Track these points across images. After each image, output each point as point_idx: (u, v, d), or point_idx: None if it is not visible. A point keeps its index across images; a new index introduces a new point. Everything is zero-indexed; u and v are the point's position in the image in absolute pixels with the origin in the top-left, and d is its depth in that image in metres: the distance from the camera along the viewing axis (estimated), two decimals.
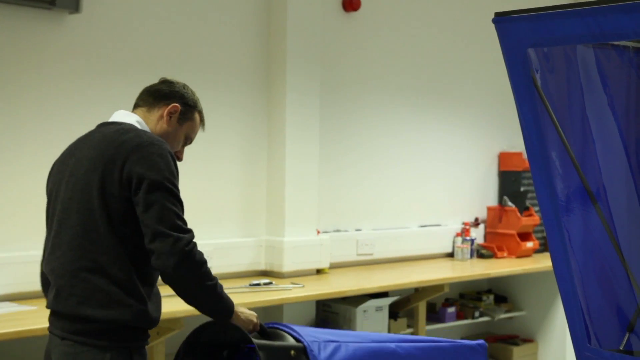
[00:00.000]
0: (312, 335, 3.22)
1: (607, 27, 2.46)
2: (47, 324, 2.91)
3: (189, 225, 2.80)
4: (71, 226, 2.78)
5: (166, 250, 2.66)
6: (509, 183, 7.62)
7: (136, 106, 3.08)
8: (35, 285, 3.11)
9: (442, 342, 3.58)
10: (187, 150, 3.23)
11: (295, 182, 5.84)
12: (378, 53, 6.58)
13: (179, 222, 2.73)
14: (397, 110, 6.83)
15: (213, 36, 5.55)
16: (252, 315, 3.11)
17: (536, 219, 7.36)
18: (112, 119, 3.01)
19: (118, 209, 2.72)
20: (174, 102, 3.02)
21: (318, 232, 6.04)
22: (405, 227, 6.94)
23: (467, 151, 7.48)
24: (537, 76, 2.76)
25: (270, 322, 3.39)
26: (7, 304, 4.49)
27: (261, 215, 5.93)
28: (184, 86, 3.11)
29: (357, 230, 6.58)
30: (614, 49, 2.94)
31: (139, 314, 2.74)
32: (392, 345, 3.37)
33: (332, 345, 3.18)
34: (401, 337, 3.53)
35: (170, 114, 3.01)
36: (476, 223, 7.42)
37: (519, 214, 7.33)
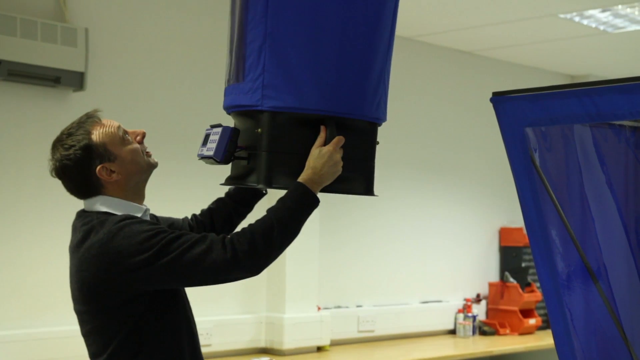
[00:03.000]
0: None
1: (603, 108, 2.49)
2: None
3: None
4: None
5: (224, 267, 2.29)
6: (510, 258, 7.59)
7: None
8: None
9: None
10: None
11: (296, 257, 5.83)
12: (379, 128, 6.63)
13: (187, 245, 2.29)
14: (397, 185, 6.85)
15: (212, 112, 5.60)
16: (327, 155, 2.40)
17: (538, 295, 7.31)
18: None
19: None
20: (87, 169, 2.43)
21: (319, 308, 6.00)
22: (406, 304, 6.90)
23: (467, 226, 7.48)
24: (536, 155, 2.79)
25: None
26: None
27: (261, 291, 5.90)
28: (61, 148, 2.45)
29: (358, 306, 6.53)
30: (611, 128, 2.97)
31: None
32: None
33: None
34: None
35: (101, 174, 2.44)
36: (478, 299, 7.37)
37: (520, 290, 7.29)
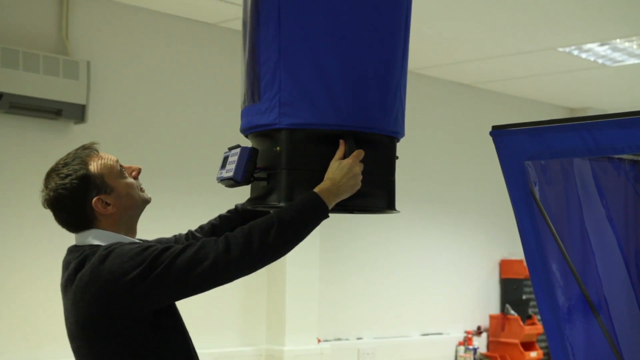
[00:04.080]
0: None
1: (602, 141, 2.50)
2: None
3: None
4: None
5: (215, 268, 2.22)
6: (511, 291, 7.57)
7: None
8: None
9: None
10: None
11: (296, 289, 5.82)
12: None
13: (178, 251, 2.24)
14: (397, 218, 6.85)
15: (213, 144, 5.62)
16: (347, 169, 2.34)
17: (539, 327, 7.28)
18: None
19: None
20: (82, 200, 2.38)
21: (319, 340, 5.98)
22: (406, 336, 6.86)
23: (468, 258, 7.46)
24: (535, 188, 2.79)
25: None
26: None
27: (261, 324, 5.87)
28: (57, 177, 2.40)
29: (358, 338, 6.50)
30: (610, 162, 2.98)
31: None
32: None
33: None
34: None
35: (97, 206, 2.40)
36: (478, 332, 7.34)
37: (521, 323, 7.26)
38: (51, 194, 2.40)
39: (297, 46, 2.40)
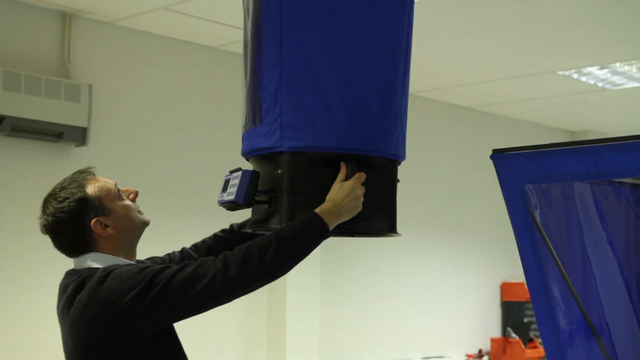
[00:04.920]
0: None
1: (602, 165, 2.50)
2: None
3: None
4: None
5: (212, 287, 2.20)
6: (512, 314, 7.55)
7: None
8: None
9: None
10: None
11: (296, 311, 5.80)
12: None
13: (176, 269, 2.23)
14: (398, 240, 6.84)
15: (212, 167, 5.63)
16: (348, 190, 2.33)
17: (541, 351, 7.25)
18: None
19: None
20: (81, 223, 2.37)
21: None
22: (408, 359, 6.84)
23: (468, 281, 7.45)
24: (536, 212, 2.79)
25: None
26: None
27: (262, 345, 5.85)
28: (54, 201, 2.39)
29: None
30: (611, 186, 2.98)
31: None
32: None
33: None
34: None
35: (96, 228, 2.38)
36: (480, 355, 7.31)
37: (523, 346, 7.23)
38: (49, 218, 2.39)
39: (298, 70, 2.41)
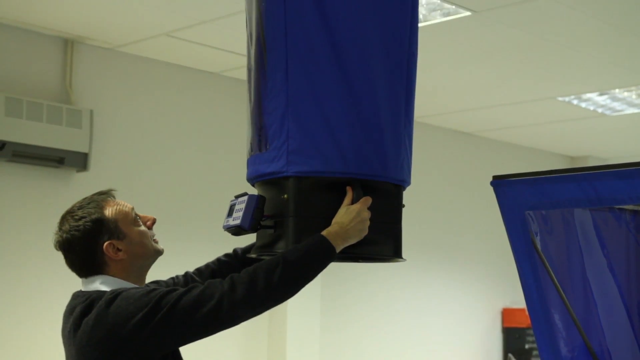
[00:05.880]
0: None
1: (603, 192, 2.50)
2: None
3: None
4: None
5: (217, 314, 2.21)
6: (513, 340, 7.52)
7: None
8: None
9: None
10: None
11: (297, 337, 5.78)
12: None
13: (183, 291, 2.23)
14: (399, 265, 6.83)
15: (214, 193, 5.64)
16: (354, 213, 2.33)
17: None
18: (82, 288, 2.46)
19: None
20: (94, 244, 2.38)
21: None
22: None
23: (469, 307, 7.43)
24: (537, 238, 2.79)
25: None
26: None
27: None
28: (71, 219, 2.40)
29: None
30: (611, 212, 2.98)
31: None
32: None
33: None
34: None
35: (108, 250, 2.38)
36: None
37: None
38: (64, 235, 2.40)
39: (304, 95, 2.42)
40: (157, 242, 2.52)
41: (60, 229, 2.42)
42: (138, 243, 2.44)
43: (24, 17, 4.84)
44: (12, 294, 4.75)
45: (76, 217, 2.40)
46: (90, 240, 2.38)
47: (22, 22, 4.91)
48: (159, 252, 2.53)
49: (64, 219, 2.43)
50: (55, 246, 2.44)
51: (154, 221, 2.54)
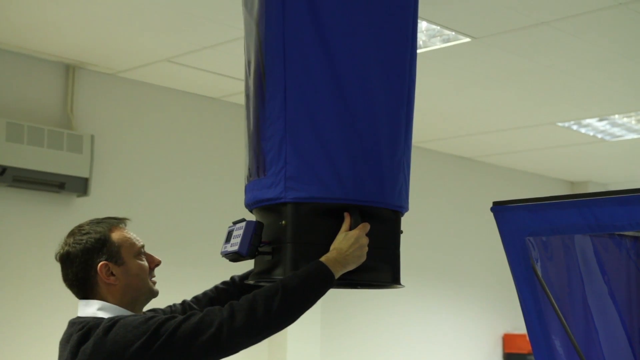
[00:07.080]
0: None
1: (603, 219, 2.50)
2: None
3: None
4: None
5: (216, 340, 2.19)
6: None
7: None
8: None
9: None
10: None
11: None
12: None
13: (182, 318, 2.22)
14: (399, 291, 6.81)
15: (214, 218, 5.64)
16: (353, 240, 2.33)
17: None
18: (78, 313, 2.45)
19: None
20: (90, 260, 2.36)
21: None
22: None
23: (471, 332, 7.40)
24: (537, 264, 2.78)
25: None
26: None
27: None
28: (78, 233, 2.41)
29: None
30: (611, 239, 2.98)
31: None
32: None
33: None
34: None
35: (101, 270, 2.36)
36: None
37: None
38: (65, 247, 2.40)
39: (302, 122, 2.42)
40: (154, 283, 2.50)
41: (65, 241, 2.42)
42: (135, 275, 2.42)
43: (25, 42, 4.87)
44: (12, 319, 4.73)
45: (83, 231, 2.41)
46: (87, 256, 2.37)
47: (24, 48, 4.94)
48: (153, 293, 2.49)
49: (72, 232, 2.44)
50: (56, 257, 2.44)
51: (157, 263, 2.52)
